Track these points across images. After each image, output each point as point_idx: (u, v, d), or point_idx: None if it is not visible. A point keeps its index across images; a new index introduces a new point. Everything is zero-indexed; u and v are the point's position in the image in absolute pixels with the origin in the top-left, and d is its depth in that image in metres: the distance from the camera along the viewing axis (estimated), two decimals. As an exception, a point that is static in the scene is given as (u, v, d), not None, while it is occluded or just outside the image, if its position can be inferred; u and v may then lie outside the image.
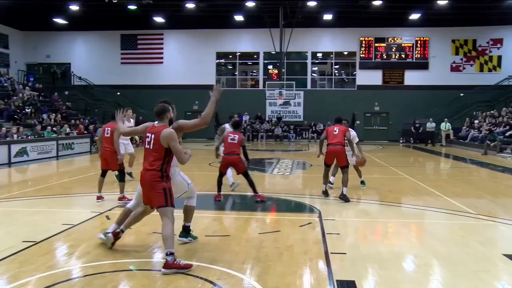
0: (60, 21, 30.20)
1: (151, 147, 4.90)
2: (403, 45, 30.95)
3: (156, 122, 5.06)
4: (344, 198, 8.72)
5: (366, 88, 30.71)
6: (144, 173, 4.92)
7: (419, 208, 8.34)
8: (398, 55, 30.96)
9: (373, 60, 31.05)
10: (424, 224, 7.38)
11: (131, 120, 9.87)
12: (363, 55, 31.13)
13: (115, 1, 20.50)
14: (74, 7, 27.07)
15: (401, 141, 29.35)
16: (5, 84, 25.37)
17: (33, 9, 28.10)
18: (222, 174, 8.97)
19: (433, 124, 27.15)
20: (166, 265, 4.57)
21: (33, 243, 5.65)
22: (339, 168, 9.43)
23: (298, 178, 12.93)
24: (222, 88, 5.34)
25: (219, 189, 8.82)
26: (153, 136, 4.90)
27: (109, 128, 8.75)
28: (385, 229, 6.98)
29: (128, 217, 5.41)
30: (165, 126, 4.95)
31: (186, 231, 5.82)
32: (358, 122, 30.34)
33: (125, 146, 11.12)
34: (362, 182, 10.54)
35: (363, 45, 31.08)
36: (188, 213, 5.79)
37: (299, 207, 8.57)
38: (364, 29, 30.47)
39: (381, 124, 31.11)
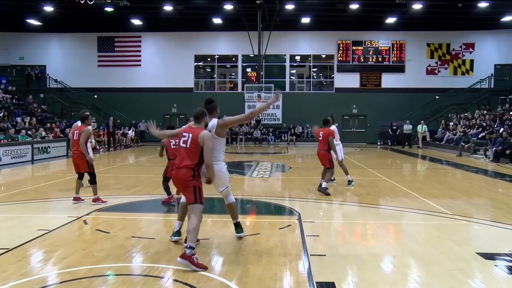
0: (34, 22, 29.62)
1: (187, 146, 5.15)
2: (380, 48, 31.38)
3: (192, 123, 5.37)
4: (323, 191, 9.48)
5: (344, 91, 31.01)
6: (177, 171, 5.19)
7: (396, 209, 8.45)
8: (375, 58, 31.36)
9: (351, 63, 31.39)
10: (402, 225, 7.48)
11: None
12: (341, 58, 31.44)
13: (91, 2, 20.19)
14: (48, 8, 26.53)
15: (378, 143, 29.72)
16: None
17: (5, 10, 27.46)
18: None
19: (410, 126, 27.64)
20: (183, 255, 4.78)
21: (6, 250, 5.50)
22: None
23: (277, 181, 12.96)
24: (280, 94, 5.64)
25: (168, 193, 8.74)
26: (190, 135, 5.15)
27: (77, 131, 8.62)
28: (363, 230, 7.04)
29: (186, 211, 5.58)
30: (202, 128, 5.23)
31: (239, 227, 6.21)
32: (336, 124, 30.46)
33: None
34: (349, 182, 10.89)
35: (341, 48, 31.39)
36: (233, 210, 6.18)
37: (278, 210, 8.59)
38: (341, 32, 30.78)
39: (359, 127, 31.46)
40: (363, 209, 8.54)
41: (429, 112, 30.08)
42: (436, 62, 31.19)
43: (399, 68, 31.22)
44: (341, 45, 31.35)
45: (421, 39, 30.98)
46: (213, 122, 5.73)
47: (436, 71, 31.19)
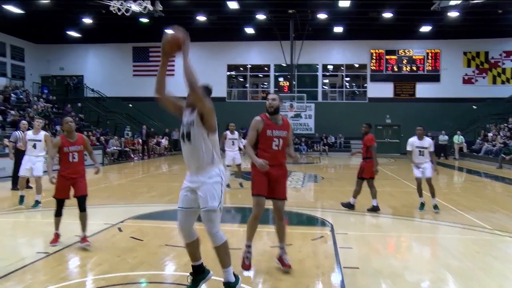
0: (73, 34, 30.65)
1: (279, 149, 5.12)
2: (414, 57, 30.89)
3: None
4: (373, 209, 8.89)
5: (377, 100, 30.62)
6: (277, 170, 5.14)
7: (432, 222, 8.24)
8: (409, 67, 30.88)
9: (384, 72, 31.01)
10: (438, 238, 7.29)
11: (41, 131, 9.64)
12: (374, 67, 31.11)
13: (128, 14, 20.73)
14: (87, 20, 27.46)
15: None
16: (21, 96, 25.72)
17: (47, 23, 28.60)
18: None
19: (446, 137, 26.94)
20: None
21: (46, 254, 5.68)
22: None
23: (309, 191, 12.87)
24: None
25: None
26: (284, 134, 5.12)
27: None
28: (398, 243, 6.90)
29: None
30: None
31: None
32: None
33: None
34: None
35: (374, 57, 31.08)
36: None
37: (310, 221, 8.52)
38: (374, 41, 30.49)
39: (392, 137, 30.94)
40: (397, 221, 8.37)
41: (465, 122, 29.28)
42: (474, 71, 30.42)
43: (434, 77, 30.62)
44: (374, 54, 31.04)
45: (457, 48, 30.32)
46: None
47: (473, 80, 30.42)
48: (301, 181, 14.62)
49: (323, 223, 8.13)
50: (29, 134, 9.58)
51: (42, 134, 9.55)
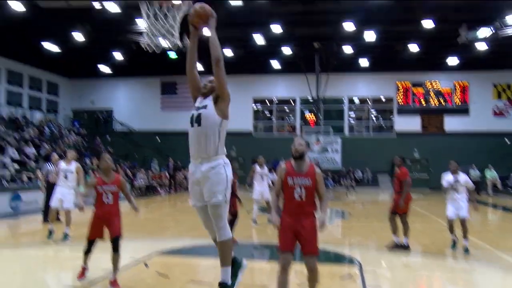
0: (104, 68, 31.66)
1: (302, 199, 4.65)
2: (441, 89, 30.60)
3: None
4: (402, 247, 8.52)
5: (405, 134, 30.28)
6: (303, 222, 4.61)
7: (465, 261, 7.93)
8: (436, 100, 30.56)
9: (411, 105, 30.76)
10: (473, 279, 6.99)
11: (73, 162, 9.74)
12: (401, 100, 30.92)
13: (158, 52, 21.37)
14: (118, 56, 28.41)
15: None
16: (53, 130, 26.52)
17: (81, 58, 29.69)
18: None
19: (477, 172, 26.13)
20: None
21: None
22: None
23: (337, 227, 12.63)
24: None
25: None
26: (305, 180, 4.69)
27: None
28: (429, 283, 6.65)
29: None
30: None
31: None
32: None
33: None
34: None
35: (400, 89, 30.93)
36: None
37: (338, 258, 8.32)
38: (401, 73, 30.41)
39: (421, 172, 30.32)
40: (428, 259, 8.09)
41: (498, 156, 28.44)
42: (505, 104, 29.86)
43: (462, 110, 30.17)
44: (401, 86, 30.91)
45: (486, 80, 29.92)
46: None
47: (504, 113, 29.81)
48: (328, 217, 14.38)
49: (351, 260, 7.93)
50: (62, 164, 9.73)
51: (74, 165, 9.67)
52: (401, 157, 9.12)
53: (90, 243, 6.08)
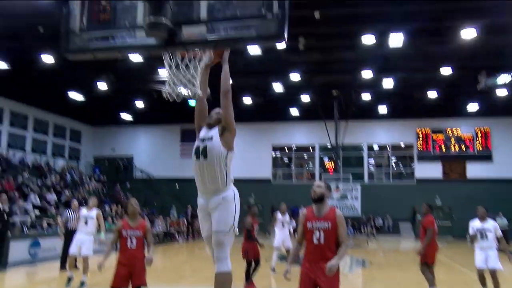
0: (126, 116, 32.34)
1: (321, 243, 4.49)
2: (462, 136, 30.28)
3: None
4: None
5: (426, 181, 29.78)
6: (322, 267, 4.34)
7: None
8: (457, 146, 30.19)
9: (432, 152, 30.42)
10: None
11: (94, 209, 9.81)
12: (421, 147, 30.64)
13: (179, 101, 21.81)
14: (139, 104, 29.07)
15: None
16: (75, 177, 26.87)
17: (103, 107, 30.48)
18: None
19: (504, 220, 25.21)
20: None
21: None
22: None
23: (357, 277, 12.22)
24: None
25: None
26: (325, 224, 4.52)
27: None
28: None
29: None
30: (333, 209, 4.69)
31: None
32: (419, 217, 29.08)
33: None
34: None
35: (420, 136, 30.72)
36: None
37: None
38: (420, 120, 30.30)
39: (444, 219, 29.51)
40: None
41: (524, 204, 27.64)
42: (530, 150, 29.27)
43: (485, 156, 29.67)
44: (421, 133, 30.72)
45: (508, 125, 29.53)
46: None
47: (529, 159, 29.18)
48: (348, 266, 13.98)
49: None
50: (83, 210, 9.82)
51: (95, 211, 9.75)
52: (428, 205, 8.79)
53: None
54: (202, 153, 4.10)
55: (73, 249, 9.57)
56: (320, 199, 4.62)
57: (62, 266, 11.67)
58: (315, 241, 4.47)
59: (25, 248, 13.80)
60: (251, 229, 8.72)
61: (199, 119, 4.43)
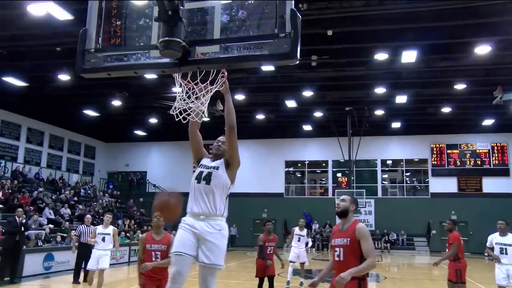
0: (139, 132, 32.70)
1: (340, 259, 4.34)
2: (478, 151, 29.95)
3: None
4: None
5: (441, 196, 29.43)
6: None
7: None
8: (473, 161, 29.85)
9: (446, 167, 30.11)
10: None
11: (109, 226, 10.05)
12: (435, 162, 30.36)
13: (189, 118, 22.05)
14: (152, 120, 29.39)
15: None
16: (88, 191, 27.14)
17: (117, 123, 30.88)
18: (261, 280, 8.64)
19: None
20: None
21: None
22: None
23: (372, 292, 12.08)
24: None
25: None
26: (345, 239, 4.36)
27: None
28: None
29: None
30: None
31: None
32: (434, 231, 28.72)
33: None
34: None
35: (435, 151, 30.46)
36: None
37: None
38: (434, 135, 30.10)
39: (460, 234, 29.07)
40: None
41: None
42: (548, 164, 28.84)
43: (502, 171, 29.26)
44: (435, 148, 30.47)
45: (525, 141, 29.17)
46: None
47: (547, 174, 28.72)
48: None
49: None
50: (99, 228, 10.05)
51: (111, 228, 10.00)
52: (452, 221, 8.72)
53: None
54: (204, 179, 4.06)
55: (92, 265, 9.76)
56: (343, 214, 4.48)
57: (75, 280, 11.79)
58: (336, 257, 4.34)
59: (40, 261, 13.95)
60: (262, 246, 8.69)
61: (198, 152, 4.45)
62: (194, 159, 4.45)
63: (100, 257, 9.70)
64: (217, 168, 4.12)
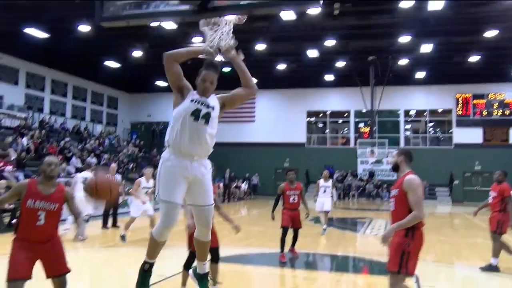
0: (161, 83, 32.79)
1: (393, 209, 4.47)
2: (506, 101, 29.17)
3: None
4: (491, 269, 7.67)
5: (465, 146, 29.06)
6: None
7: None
8: (501, 111, 29.15)
9: (472, 118, 29.53)
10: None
11: (150, 180, 10.45)
12: (460, 112, 29.77)
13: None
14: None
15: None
16: (113, 141, 27.71)
17: (139, 74, 30.97)
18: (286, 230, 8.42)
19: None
20: None
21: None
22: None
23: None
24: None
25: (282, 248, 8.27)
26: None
27: None
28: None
29: None
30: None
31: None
32: (456, 182, 28.61)
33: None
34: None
35: (460, 102, 29.80)
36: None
37: (393, 271, 8.07)
38: (460, 85, 29.33)
39: (484, 185, 28.88)
40: (494, 276, 7.62)
41: None
42: None
43: (530, 121, 28.57)
44: (460, 98, 29.77)
45: (557, 89, 28.21)
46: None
47: None
48: (383, 229, 14.03)
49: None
50: (143, 182, 10.41)
51: (152, 182, 10.38)
52: (503, 171, 8.11)
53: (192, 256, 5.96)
54: (203, 117, 3.81)
55: (136, 213, 10.27)
56: (394, 169, 4.63)
57: (104, 225, 12.39)
58: (391, 208, 4.49)
59: (69, 209, 14.52)
60: (280, 195, 8.58)
61: (180, 78, 4.19)
62: (173, 86, 4.14)
63: (145, 207, 10.24)
64: (213, 108, 3.90)
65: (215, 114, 3.89)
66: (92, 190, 3.98)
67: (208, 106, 3.87)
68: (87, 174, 10.78)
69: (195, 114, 3.82)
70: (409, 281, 6.99)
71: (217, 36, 3.67)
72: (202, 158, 3.88)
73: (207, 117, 3.83)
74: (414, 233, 4.27)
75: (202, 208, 3.86)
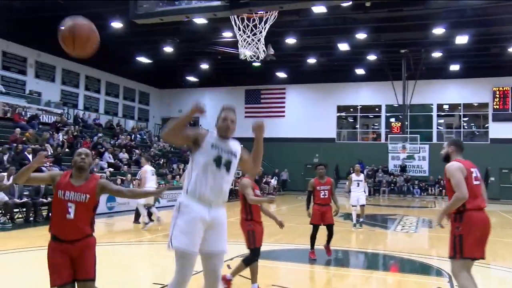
0: (191, 79, 33.14)
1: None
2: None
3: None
4: None
5: (502, 141, 28.17)
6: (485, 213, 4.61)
7: None
8: (542, 106, 28.10)
9: (510, 111, 28.57)
10: None
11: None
12: (497, 106, 28.85)
13: (243, 58, 21.99)
14: (204, 66, 29.63)
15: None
16: (144, 137, 28.16)
17: (170, 70, 31.36)
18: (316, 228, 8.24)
19: None
20: None
21: (162, 286, 5.99)
22: None
23: (423, 237, 12.08)
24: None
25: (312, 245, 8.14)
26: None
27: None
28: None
29: None
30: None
31: None
32: (492, 178, 27.80)
33: None
34: None
35: (497, 95, 28.87)
36: None
37: (425, 269, 7.95)
38: (497, 78, 28.40)
39: (520, 181, 28.02)
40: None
41: None
42: None
43: None
44: (497, 92, 28.85)
45: None
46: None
47: None
48: (414, 226, 13.80)
49: (439, 272, 7.53)
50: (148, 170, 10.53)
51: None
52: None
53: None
54: (225, 165, 3.68)
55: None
56: (445, 159, 4.86)
57: (136, 220, 12.58)
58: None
59: (103, 202, 14.86)
60: (311, 191, 8.41)
61: (188, 136, 3.91)
62: (189, 145, 3.91)
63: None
64: (235, 155, 3.81)
65: (236, 161, 3.79)
66: (69, 39, 3.80)
67: (229, 153, 3.76)
68: (151, 167, 11.13)
69: (217, 161, 3.66)
70: (442, 280, 6.85)
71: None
72: (219, 205, 3.71)
73: (228, 165, 3.70)
74: (462, 216, 4.44)
75: (212, 255, 3.63)
